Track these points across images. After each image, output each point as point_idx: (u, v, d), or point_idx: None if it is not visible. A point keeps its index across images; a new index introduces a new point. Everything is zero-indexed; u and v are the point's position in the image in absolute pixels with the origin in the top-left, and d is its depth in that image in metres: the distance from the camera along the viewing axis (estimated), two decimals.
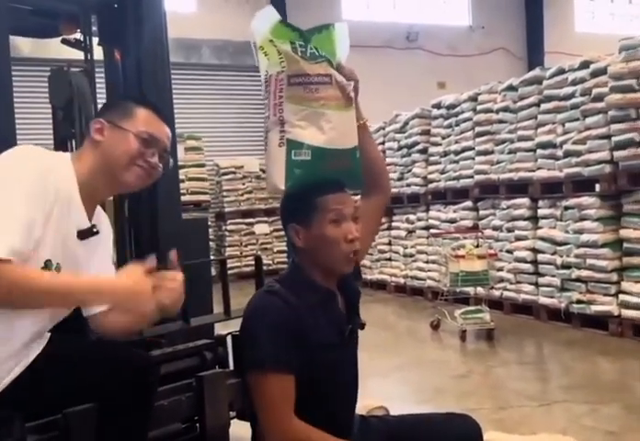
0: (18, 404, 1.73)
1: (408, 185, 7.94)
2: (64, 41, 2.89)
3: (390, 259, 8.37)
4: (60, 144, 2.60)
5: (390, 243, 8.37)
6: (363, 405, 2.07)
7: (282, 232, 11.00)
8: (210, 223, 9.95)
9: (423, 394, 4.11)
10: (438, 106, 7.59)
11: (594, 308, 5.34)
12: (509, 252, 6.33)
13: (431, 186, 7.63)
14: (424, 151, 7.78)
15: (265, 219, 10.87)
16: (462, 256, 5.53)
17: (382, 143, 8.34)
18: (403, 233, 8.09)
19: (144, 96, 2.54)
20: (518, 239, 6.25)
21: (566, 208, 5.65)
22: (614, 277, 5.23)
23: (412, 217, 7.96)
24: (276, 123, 1.79)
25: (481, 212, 6.86)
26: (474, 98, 6.96)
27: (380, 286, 8.39)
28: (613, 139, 5.16)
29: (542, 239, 5.95)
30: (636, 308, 5.01)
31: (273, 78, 1.79)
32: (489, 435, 1.97)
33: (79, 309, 1.84)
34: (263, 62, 1.82)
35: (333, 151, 1.79)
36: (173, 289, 1.70)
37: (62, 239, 1.71)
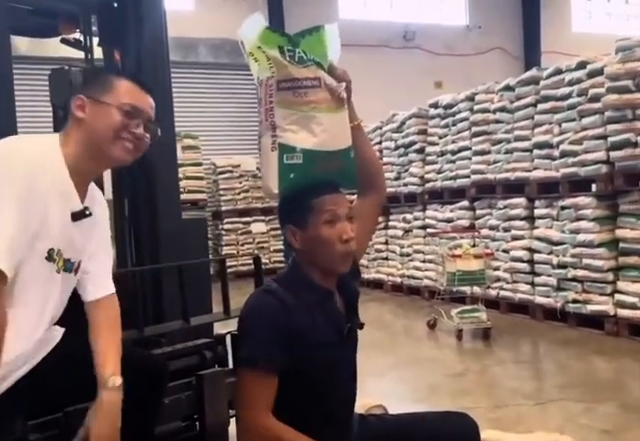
0: (25, 401, 1.73)
1: (405, 184, 7.96)
2: (64, 41, 2.89)
3: (387, 258, 8.38)
4: None
5: (387, 243, 8.38)
6: (362, 404, 2.09)
7: (279, 231, 11.03)
8: None
9: (419, 393, 4.13)
10: (435, 105, 7.61)
11: (590, 307, 5.36)
12: (506, 251, 6.35)
13: (428, 185, 7.65)
14: (421, 150, 7.79)
15: (262, 218, 10.87)
16: (459, 256, 5.55)
17: (379, 143, 8.35)
18: (400, 233, 8.10)
19: None
20: (514, 238, 6.28)
21: (563, 207, 5.67)
22: (610, 276, 5.26)
23: (409, 216, 7.98)
24: (268, 128, 1.83)
25: (478, 212, 6.87)
26: (471, 98, 6.97)
27: (377, 285, 8.41)
28: (610, 139, 5.19)
29: (539, 239, 5.97)
30: (632, 307, 5.03)
31: (264, 84, 1.82)
32: (486, 433, 1.99)
33: (78, 305, 1.85)
34: (254, 68, 1.85)
35: (325, 153, 1.82)
36: None
37: (59, 224, 1.72)
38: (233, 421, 2.42)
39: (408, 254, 7.94)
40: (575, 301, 5.51)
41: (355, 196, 2.08)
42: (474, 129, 6.85)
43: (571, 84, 5.59)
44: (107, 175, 2.84)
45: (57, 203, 1.70)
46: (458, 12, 14.29)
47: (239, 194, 10.78)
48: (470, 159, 6.93)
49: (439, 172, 7.46)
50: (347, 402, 1.90)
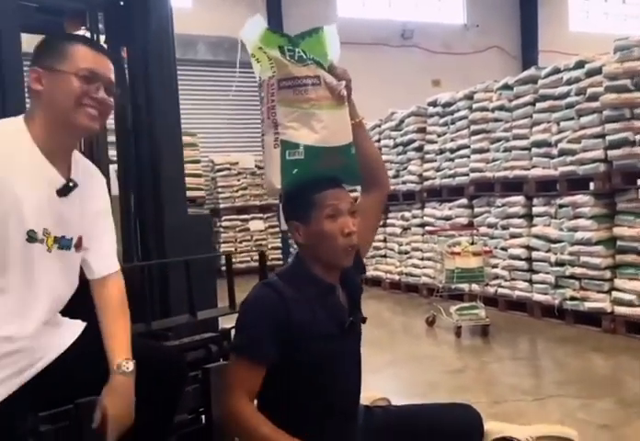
0: (42, 394, 1.74)
1: (404, 182, 7.99)
2: None
3: (385, 256, 8.42)
4: None
5: (385, 240, 8.42)
6: (366, 397, 2.12)
7: (277, 229, 11.13)
8: None
9: (418, 389, 4.15)
10: (434, 104, 7.64)
11: (587, 305, 5.40)
12: (504, 249, 6.39)
13: (427, 183, 7.69)
14: (419, 148, 7.83)
15: (260, 215, 10.90)
16: (458, 253, 5.58)
17: (378, 141, 8.37)
18: (398, 230, 8.14)
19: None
20: (512, 236, 6.32)
21: (561, 206, 5.71)
22: (607, 274, 5.30)
23: (407, 214, 8.01)
24: (270, 126, 1.88)
25: (476, 210, 6.91)
26: (469, 97, 7.01)
27: (375, 282, 8.44)
28: (608, 138, 5.22)
29: (537, 236, 6.01)
30: (629, 305, 5.08)
31: (265, 83, 1.88)
32: (490, 424, 2.02)
33: (85, 295, 1.87)
34: (256, 68, 1.89)
35: (326, 149, 1.87)
36: None
37: (45, 204, 1.70)
38: None
39: (406, 252, 7.98)
40: (572, 299, 5.55)
41: (358, 192, 2.13)
42: (473, 127, 6.88)
43: (569, 83, 5.63)
44: (112, 171, 2.87)
45: (31, 184, 1.67)
46: (456, 11, 14.33)
47: (237, 191, 10.81)
48: (469, 157, 6.97)
49: (437, 170, 7.50)
50: (349, 395, 1.93)
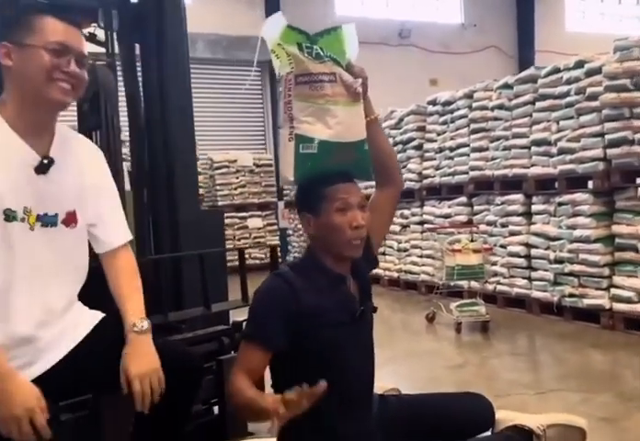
0: (61, 382, 1.75)
1: (404, 180, 8.01)
2: None
3: (384, 253, 8.44)
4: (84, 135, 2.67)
5: (384, 238, 8.40)
6: (378, 386, 2.16)
7: (275, 227, 11.11)
8: None
9: (420, 384, 4.19)
10: (433, 102, 7.68)
11: (586, 301, 5.45)
12: (503, 247, 6.44)
13: (426, 181, 7.73)
14: (419, 147, 7.87)
15: (258, 213, 10.94)
16: (459, 250, 5.63)
17: None
18: (397, 228, 8.18)
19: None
20: (512, 234, 6.37)
21: (560, 204, 5.76)
22: (606, 271, 5.35)
23: (406, 212, 8.05)
24: (286, 120, 1.93)
25: (475, 208, 6.96)
26: (469, 95, 7.05)
27: (373, 280, 8.40)
28: (607, 137, 5.27)
29: (536, 234, 6.06)
30: (627, 301, 5.13)
31: (284, 79, 1.92)
32: (501, 413, 2.07)
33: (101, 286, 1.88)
34: (276, 64, 1.94)
35: (340, 144, 1.92)
36: None
37: (23, 182, 1.69)
38: None
39: (406, 250, 8.02)
40: (571, 296, 5.60)
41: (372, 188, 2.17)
42: (473, 126, 6.93)
43: (569, 82, 5.68)
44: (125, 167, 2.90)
45: (3, 164, 1.64)
46: (453, 10, 14.39)
47: (236, 189, 10.84)
48: (468, 156, 7.01)
49: (437, 168, 7.54)
50: (360, 384, 1.96)
